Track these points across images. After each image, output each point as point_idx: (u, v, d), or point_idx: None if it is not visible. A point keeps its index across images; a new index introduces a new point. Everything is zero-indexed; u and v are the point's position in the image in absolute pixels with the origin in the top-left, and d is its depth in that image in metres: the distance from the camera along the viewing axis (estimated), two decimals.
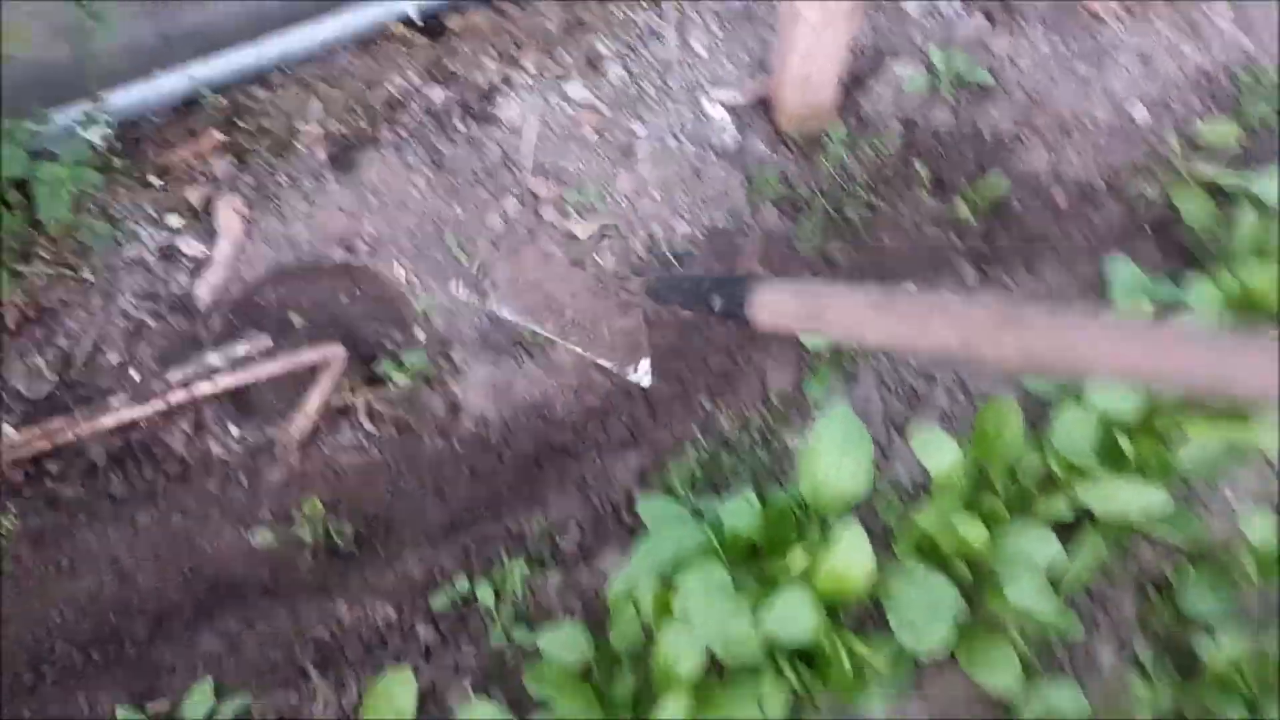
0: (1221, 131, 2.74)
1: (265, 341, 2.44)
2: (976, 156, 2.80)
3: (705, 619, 1.94)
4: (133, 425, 2.40)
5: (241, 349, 2.42)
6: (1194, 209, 2.61)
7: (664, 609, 2.01)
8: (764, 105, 2.88)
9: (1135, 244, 2.66)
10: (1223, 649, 2.09)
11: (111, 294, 2.52)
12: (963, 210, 2.71)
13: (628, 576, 2.09)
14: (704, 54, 2.93)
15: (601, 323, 2.46)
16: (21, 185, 2.47)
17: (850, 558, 1.97)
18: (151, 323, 2.51)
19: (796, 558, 2.01)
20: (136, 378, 2.46)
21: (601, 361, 2.43)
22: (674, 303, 2.16)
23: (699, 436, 2.41)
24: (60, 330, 2.43)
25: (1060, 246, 2.67)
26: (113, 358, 2.47)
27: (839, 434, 2.11)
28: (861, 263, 2.66)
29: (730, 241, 2.66)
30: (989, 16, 3.00)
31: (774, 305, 1.60)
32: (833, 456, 2.09)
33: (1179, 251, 2.65)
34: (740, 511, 2.12)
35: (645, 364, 2.44)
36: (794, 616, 1.94)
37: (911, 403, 2.44)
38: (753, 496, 2.15)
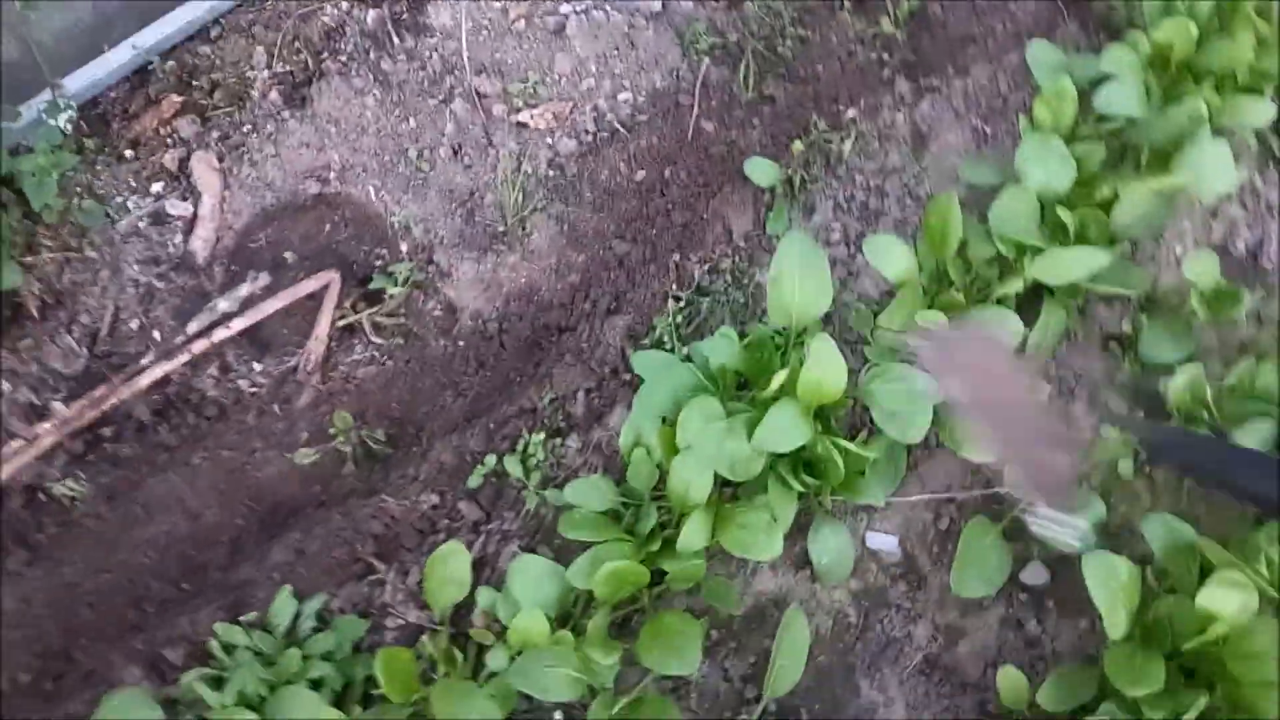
0: None
1: (265, 279, 2.64)
2: None
3: (706, 446, 2.17)
4: (166, 380, 2.62)
5: (245, 290, 2.61)
6: None
7: (670, 446, 2.23)
8: None
9: (1056, 27, 2.76)
10: (1178, 381, 2.29)
11: (118, 266, 2.71)
12: (886, 25, 2.81)
13: (633, 424, 2.31)
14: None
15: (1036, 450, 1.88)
16: (7, 181, 2.62)
17: (824, 366, 2.17)
18: (159, 284, 2.70)
19: (777, 376, 2.21)
20: (159, 336, 2.66)
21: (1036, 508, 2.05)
22: (1177, 464, 1.97)
23: (676, 289, 2.60)
24: (81, 308, 2.63)
25: (985, 42, 2.78)
26: (133, 324, 2.67)
27: (796, 257, 2.29)
28: (799, 95, 2.79)
29: (673, 100, 2.79)
30: None
31: None
32: (794, 279, 2.28)
33: (1101, 26, 2.75)
34: (721, 347, 2.33)
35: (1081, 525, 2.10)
36: (784, 428, 2.16)
37: (867, 219, 2.61)
38: (731, 332, 2.35)
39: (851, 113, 2.73)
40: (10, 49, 2.68)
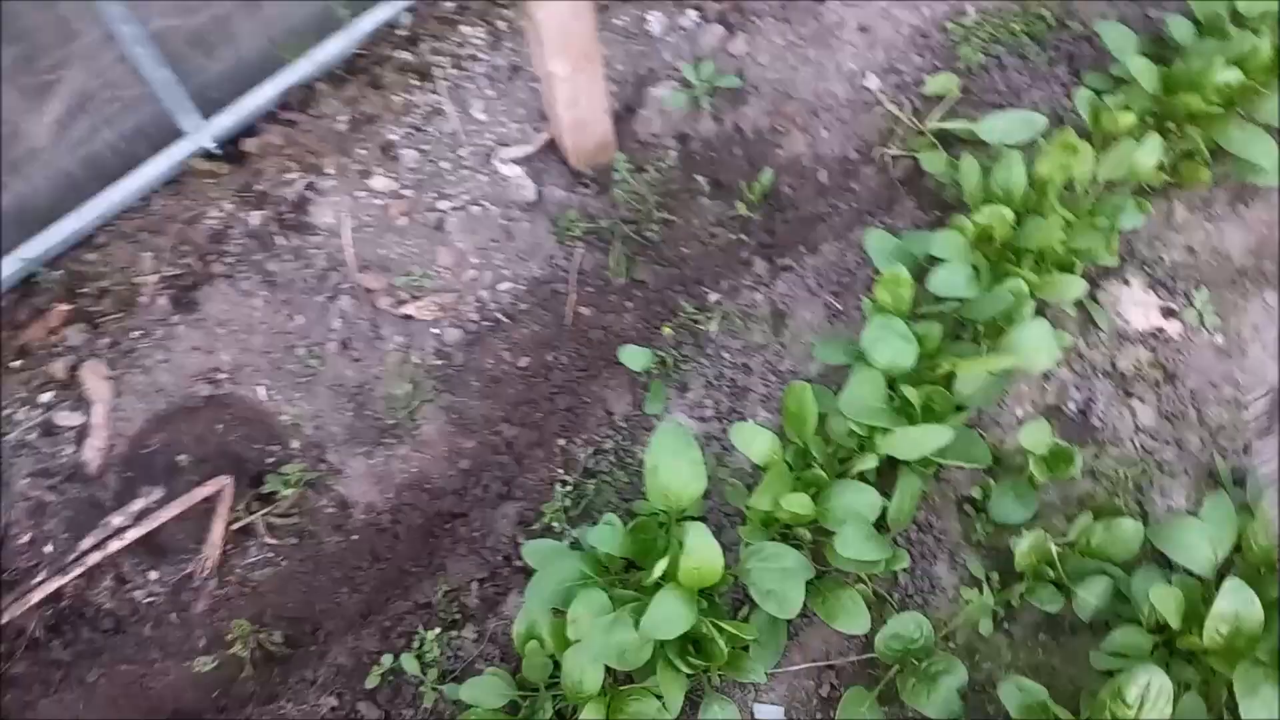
0: (943, 83, 3.10)
1: (159, 492, 2.69)
2: (745, 155, 3.13)
3: (596, 639, 2.28)
4: (59, 594, 2.64)
5: (139, 504, 2.66)
6: (933, 161, 2.99)
7: (562, 639, 2.34)
8: (554, 149, 3.15)
9: (895, 203, 3.03)
10: (1023, 545, 2.50)
11: (7, 480, 2.73)
12: (742, 208, 3.05)
13: (525, 616, 2.42)
14: (484, 118, 3.19)
15: None
16: None
17: (699, 554, 2.31)
18: (51, 497, 2.73)
19: (658, 565, 2.35)
20: (51, 550, 2.69)
21: None
22: None
23: (563, 473, 2.73)
24: None
25: (832, 221, 3.03)
26: (24, 538, 2.69)
27: (670, 444, 2.44)
28: (668, 278, 2.99)
29: (551, 288, 2.96)
30: (725, 22, 3.30)
31: None
32: (669, 467, 2.43)
33: (934, 202, 3.03)
34: (606, 535, 2.46)
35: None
36: (668, 616, 2.28)
37: (736, 395, 2.79)
38: (615, 520, 2.48)
39: (715, 295, 2.94)
40: None
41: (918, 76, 3.18)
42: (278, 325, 2.91)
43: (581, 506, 2.70)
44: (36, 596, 2.61)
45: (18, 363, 2.90)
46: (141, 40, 2.76)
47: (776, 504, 2.44)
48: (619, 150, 3.14)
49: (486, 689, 2.38)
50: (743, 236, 3.05)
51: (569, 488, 2.71)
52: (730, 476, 2.68)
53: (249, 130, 3.16)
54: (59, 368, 2.87)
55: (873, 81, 3.18)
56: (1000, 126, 2.93)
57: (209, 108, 3.10)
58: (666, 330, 2.88)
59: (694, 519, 2.45)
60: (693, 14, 3.32)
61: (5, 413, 2.82)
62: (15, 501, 2.72)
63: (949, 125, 3.04)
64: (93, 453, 2.79)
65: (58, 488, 2.74)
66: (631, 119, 3.19)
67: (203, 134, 3.11)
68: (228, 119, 3.13)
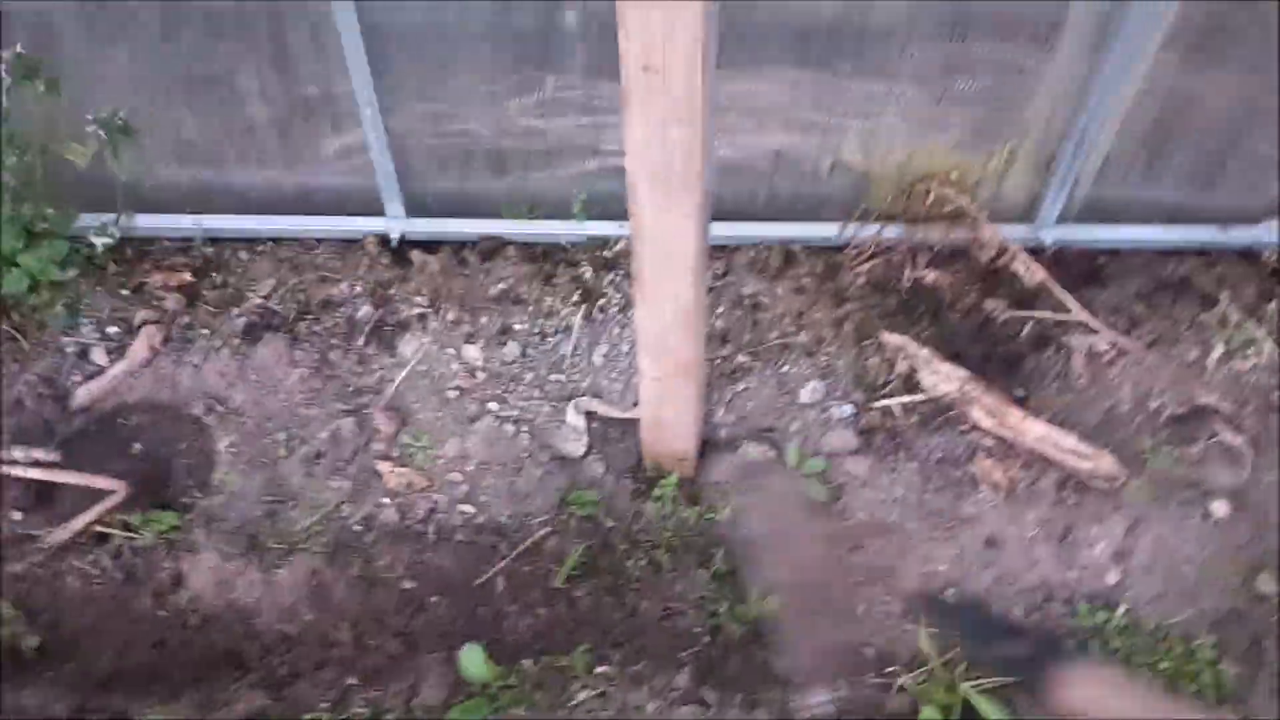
0: None
1: (58, 456, 2.79)
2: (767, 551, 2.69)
3: None
4: None
5: (42, 454, 2.77)
6: None
7: None
8: (636, 430, 2.94)
9: None
10: None
11: (26, 366, 2.99)
12: (723, 606, 2.61)
13: None
14: (600, 362, 3.05)
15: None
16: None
17: None
18: (29, 402, 2.94)
19: None
20: None
21: None
22: (952, 628, 1.95)
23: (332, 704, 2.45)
24: None
25: None
26: None
27: None
28: (595, 617, 2.62)
29: (499, 540, 2.72)
30: (867, 435, 2.91)
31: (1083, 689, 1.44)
32: None
33: None
34: None
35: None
36: None
37: None
38: None
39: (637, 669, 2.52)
40: (101, 170, 3.10)
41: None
42: (289, 404, 2.94)
43: None
44: None
45: (125, 291, 3.18)
46: (379, 129, 3.00)
47: None
48: (696, 474, 2.87)
49: None
50: (698, 629, 2.61)
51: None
52: None
53: (427, 246, 3.29)
54: (139, 315, 3.11)
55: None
56: None
57: (415, 209, 3.28)
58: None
59: None
60: (848, 407, 2.97)
61: (82, 320, 3.09)
62: (12, 384, 2.95)
63: None
64: (85, 394, 2.96)
65: (40, 398, 2.94)
66: (714, 454, 2.89)
67: (394, 225, 3.29)
68: (420, 227, 3.29)
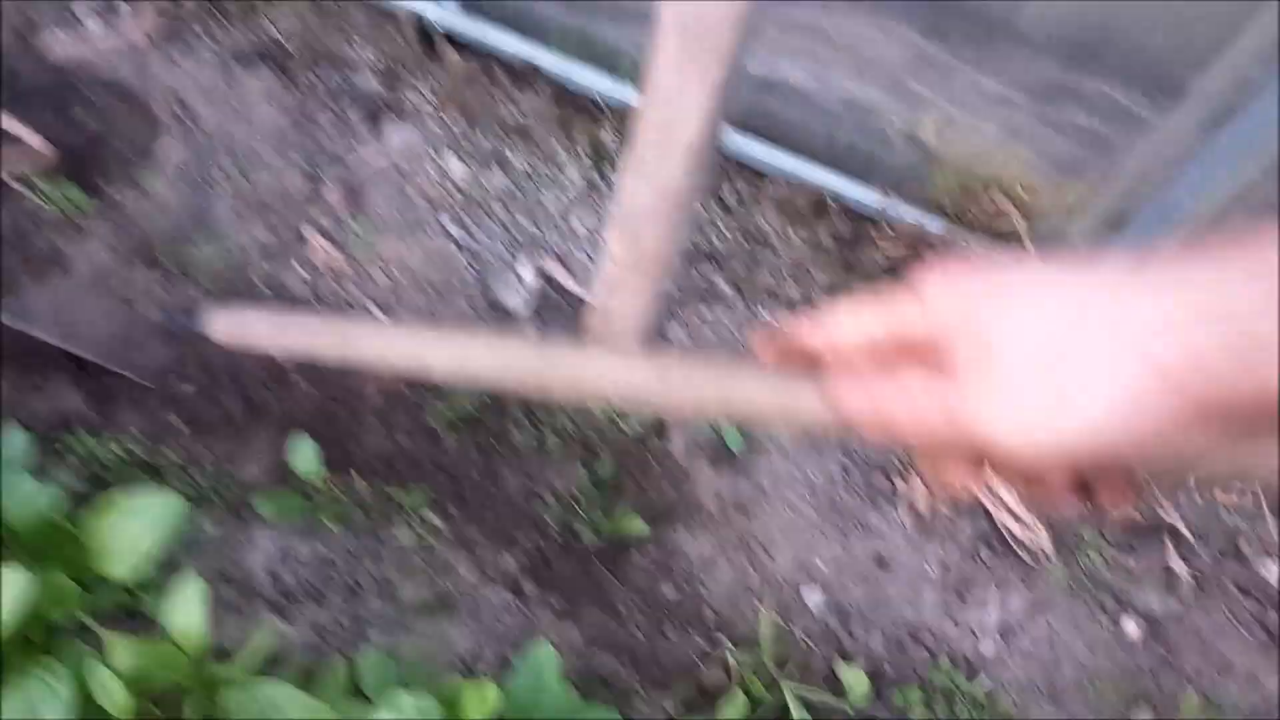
0: None
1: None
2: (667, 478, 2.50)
3: None
4: None
5: None
6: None
7: None
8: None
9: None
10: None
11: (20, 7, 2.83)
12: (586, 516, 2.43)
13: None
14: (579, 231, 2.84)
15: None
16: None
17: None
18: (6, 38, 2.78)
19: None
20: None
21: None
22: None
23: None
24: None
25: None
26: None
27: None
28: (455, 469, 2.45)
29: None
30: None
31: (223, 324, 1.60)
32: None
33: None
34: None
35: None
36: None
37: None
38: None
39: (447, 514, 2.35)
40: None
41: None
42: (252, 140, 2.77)
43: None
44: None
45: None
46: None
47: None
48: None
49: None
50: (551, 523, 2.43)
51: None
52: None
53: (463, 46, 3.06)
54: None
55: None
56: None
57: (470, 4, 3.06)
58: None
59: None
60: None
61: None
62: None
63: None
64: (62, 53, 2.80)
65: (18, 39, 2.78)
66: None
67: (440, 14, 3.06)
68: (464, 26, 3.06)
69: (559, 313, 2.75)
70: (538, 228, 2.82)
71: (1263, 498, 2.76)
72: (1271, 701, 2.51)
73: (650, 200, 2.17)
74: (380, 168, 2.80)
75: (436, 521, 2.33)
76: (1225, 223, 2.74)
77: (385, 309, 2.61)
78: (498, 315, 2.68)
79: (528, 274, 2.74)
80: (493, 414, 2.54)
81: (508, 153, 2.90)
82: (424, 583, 2.28)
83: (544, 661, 2.02)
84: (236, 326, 1.66)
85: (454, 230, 2.74)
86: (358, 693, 2.05)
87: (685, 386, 0.94)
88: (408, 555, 2.30)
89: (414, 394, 2.51)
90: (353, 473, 2.33)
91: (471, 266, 2.69)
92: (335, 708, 1.99)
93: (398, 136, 2.86)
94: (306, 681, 2.15)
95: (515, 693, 2.01)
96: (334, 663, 2.10)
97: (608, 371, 1.03)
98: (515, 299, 2.71)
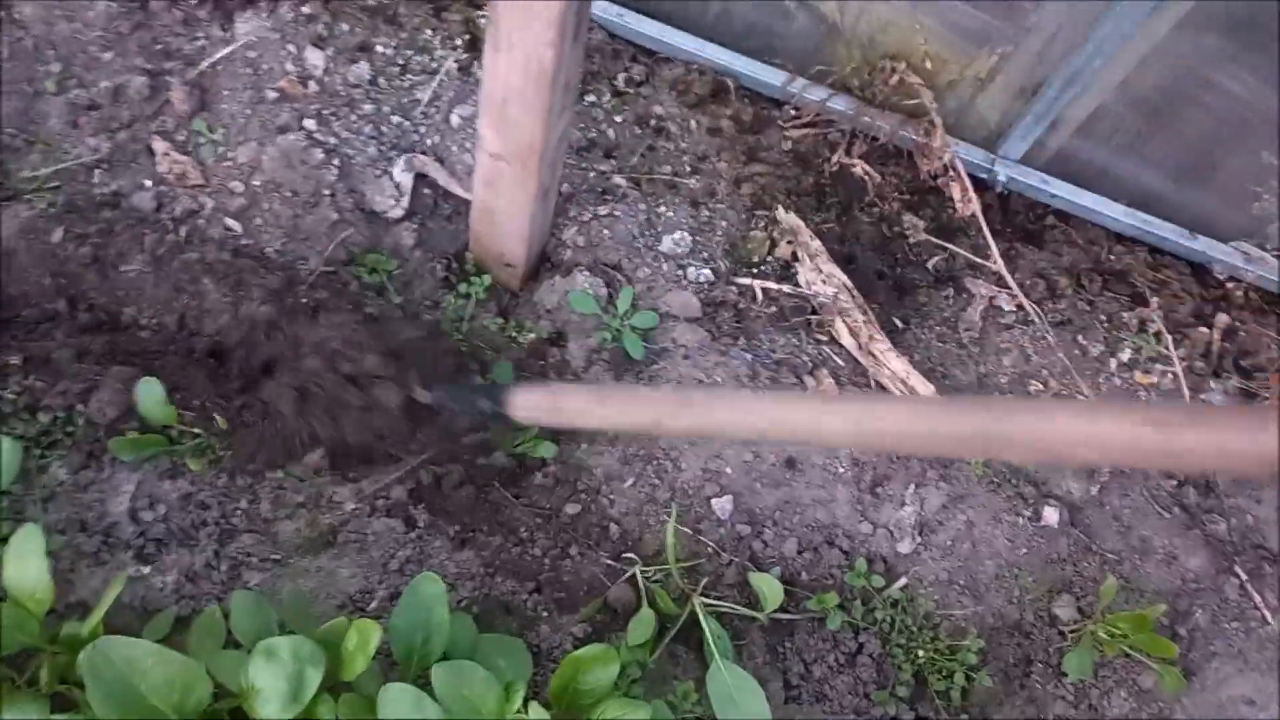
0: None
1: None
2: None
3: None
4: None
5: None
6: None
7: None
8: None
9: None
10: None
11: None
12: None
13: None
14: (456, 124, 2.59)
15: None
16: None
17: None
18: None
19: None
20: None
21: None
22: (450, 409, 2.13)
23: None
24: None
25: None
26: None
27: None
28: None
29: (247, 270, 2.30)
30: (714, 308, 2.53)
31: (526, 403, 1.86)
32: None
33: None
34: None
35: None
36: None
37: None
38: None
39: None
40: None
41: None
42: (83, 39, 2.45)
43: None
44: None
45: None
46: None
47: None
48: (522, 289, 2.50)
49: None
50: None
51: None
52: None
53: None
54: None
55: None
56: None
57: None
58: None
59: None
60: (706, 272, 2.58)
61: None
62: None
63: None
64: None
65: None
66: (560, 280, 2.50)
67: None
68: None
69: (438, 215, 2.53)
70: (410, 122, 2.57)
71: (1182, 379, 2.70)
72: (1190, 579, 2.49)
73: (518, 81, 1.95)
74: (230, 63, 2.51)
75: (313, 454, 2.14)
76: (1138, 84, 2.62)
77: (243, 220, 2.36)
78: (369, 221, 2.45)
79: (402, 175, 2.51)
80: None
81: (373, 41, 2.63)
82: (305, 519, 2.10)
83: (430, 594, 1.87)
84: (544, 402, 1.81)
85: (313, 126, 2.47)
86: (234, 642, 1.89)
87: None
88: (285, 491, 2.11)
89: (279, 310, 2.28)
90: (212, 409, 2.12)
91: (335, 168, 2.44)
92: (207, 661, 1.83)
93: (248, 25, 2.56)
94: (178, 634, 1.98)
95: (400, 628, 1.86)
96: (208, 612, 1.93)
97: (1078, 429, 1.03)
98: (388, 202, 2.47)
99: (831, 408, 1.40)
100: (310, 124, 2.48)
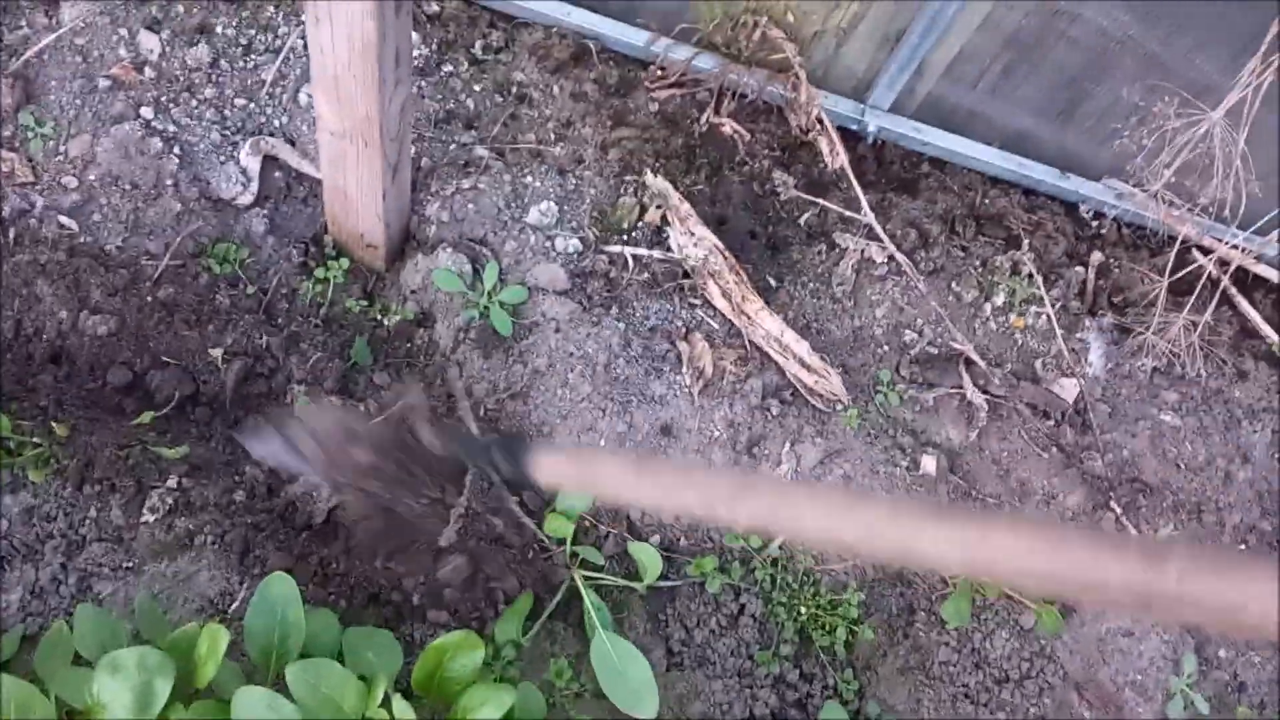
0: None
1: None
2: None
3: None
4: None
5: None
6: None
7: None
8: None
9: None
10: None
11: None
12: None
13: None
14: (305, 103, 2.50)
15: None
16: None
17: None
18: None
19: None
20: None
21: None
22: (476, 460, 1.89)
23: None
24: None
25: None
26: None
27: None
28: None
29: (84, 269, 2.20)
30: (584, 278, 2.49)
31: (552, 466, 1.61)
32: None
33: None
34: None
35: None
36: None
37: None
38: None
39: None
40: None
41: None
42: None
43: None
44: None
45: None
46: None
47: None
48: (387, 269, 2.42)
49: None
50: None
51: None
52: None
53: None
54: None
55: None
56: None
57: None
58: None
59: None
60: (574, 242, 2.53)
61: None
62: None
63: None
64: None
65: None
66: (412, 254, 2.43)
67: None
68: None
69: (291, 198, 2.45)
70: (255, 104, 2.47)
71: (1054, 320, 2.72)
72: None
73: (344, 54, 1.87)
74: (57, 50, 2.39)
75: (166, 452, 2.06)
76: (1000, 23, 2.61)
77: (78, 218, 2.26)
78: (217, 210, 2.36)
79: (250, 160, 2.41)
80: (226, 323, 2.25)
81: (212, 21, 2.51)
82: (159, 524, 2.02)
83: (281, 593, 1.82)
84: (568, 469, 1.57)
85: (150, 114, 2.37)
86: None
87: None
88: (137, 497, 2.03)
89: (126, 307, 2.19)
90: (50, 418, 2.02)
91: (175, 156, 2.34)
92: (53, 679, 1.76)
93: (76, 13, 2.44)
94: (27, 652, 1.90)
95: (254, 630, 1.81)
96: (55, 628, 1.85)
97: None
98: (235, 189, 2.38)
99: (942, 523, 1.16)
100: (147, 112, 2.37)
